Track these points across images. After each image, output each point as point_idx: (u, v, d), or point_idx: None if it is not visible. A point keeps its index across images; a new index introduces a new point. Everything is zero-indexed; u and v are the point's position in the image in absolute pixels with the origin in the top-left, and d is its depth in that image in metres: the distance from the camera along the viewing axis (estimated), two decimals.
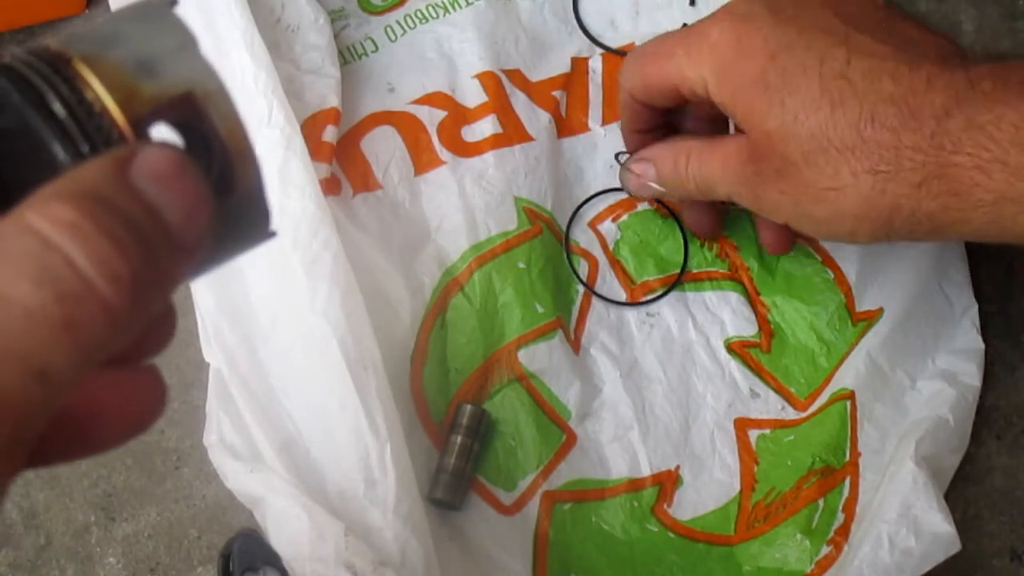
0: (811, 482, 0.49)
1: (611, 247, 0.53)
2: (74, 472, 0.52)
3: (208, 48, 0.18)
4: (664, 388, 0.51)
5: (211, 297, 0.46)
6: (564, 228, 0.53)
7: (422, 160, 0.52)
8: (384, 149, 0.52)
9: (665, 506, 0.50)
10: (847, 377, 0.51)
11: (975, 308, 0.52)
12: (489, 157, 0.52)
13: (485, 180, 0.52)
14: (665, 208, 0.53)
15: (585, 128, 0.55)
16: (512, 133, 0.53)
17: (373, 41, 0.55)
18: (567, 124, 0.54)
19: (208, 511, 0.52)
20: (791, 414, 0.51)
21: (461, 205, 0.51)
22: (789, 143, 0.36)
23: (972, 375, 0.50)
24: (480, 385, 0.50)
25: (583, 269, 0.53)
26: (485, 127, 0.52)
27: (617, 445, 0.50)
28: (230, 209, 0.19)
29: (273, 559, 0.45)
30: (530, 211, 0.52)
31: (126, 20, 0.18)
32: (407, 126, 0.53)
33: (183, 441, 0.52)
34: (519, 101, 0.54)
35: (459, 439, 0.48)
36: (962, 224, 0.35)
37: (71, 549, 0.51)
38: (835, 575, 0.47)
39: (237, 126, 0.19)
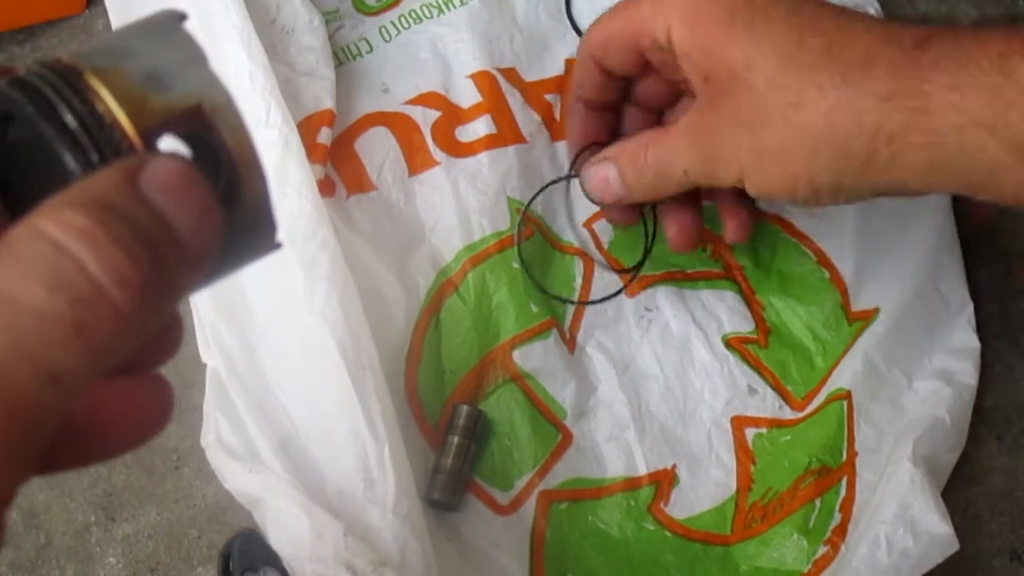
0: (808, 482, 0.49)
1: (606, 246, 0.53)
2: (74, 472, 0.52)
3: (205, 48, 0.19)
4: (661, 386, 0.51)
5: (209, 297, 0.46)
6: (554, 231, 0.53)
7: (416, 161, 0.52)
8: (378, 150, 0.52)
9: (662, 505, 0.50)
10: (844, 377, 0.51)
11: (971, 307, 0.52)
12: (483, 157, 0.52)
13: (479, 180, 0.52)
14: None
15: None
16: (506, 134, 0.53)
17: (367, 42, 0.55)
18: (560, 127, 0.54)
19: (208, 511, 0.52)
20: (788, 414, 0.51)
21: (455, 205, 0.51)
22: (754, 69, 0.35)
23: (969, 374, 0.50)
24: (475, 385, 0.50)
25: (578, 268, 0.53)
26: (479, 127, 0.53)
27: (613, 444, 0.50)
28: (237, 220, 0.19)
29: (273, 559, 0.45)
30: (522, 212, 0.52)
31: (136, 35, 0.19)
32: (401, 127, 0.53)
33: (183, 441, 0.53)
34: (514, 100, 0.54)
35: (455, 440, 0.48)
36: (921, 152, 0.32)
37: (71, 549, 0.51)
38: (832, 575, 0.47)
39: (244, 139, 0.19)
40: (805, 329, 0.52)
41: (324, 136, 0.50)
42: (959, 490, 0.51)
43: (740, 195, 0.41)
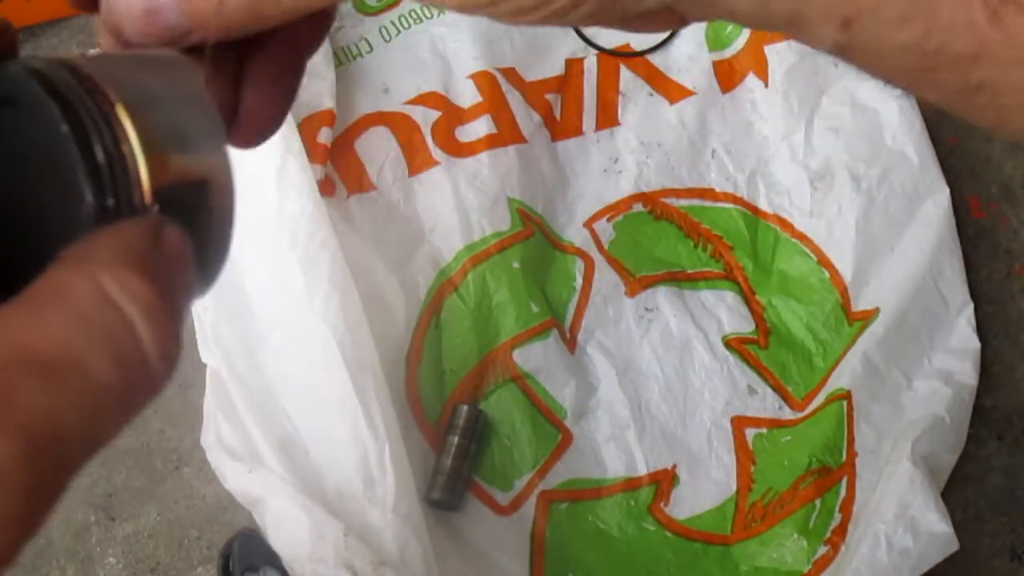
0: (808, 482, 0.49)
1: (606, 246, 0.53)
2: None
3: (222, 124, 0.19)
4: (661, 386, 0.51)
5: (209, 297, 0.46)
6: (555, 231, 0.53)
7: (416, 161, 0.52)
8: (378, 150, 0.52)
9: (662, 505, 0.50)
10: (843, 377, 0.51)
11: (971, 307, 0.52)
12: (483, 157, 0.52)
13: (479, 180, 0.52)
14: (657, 211, 0.53)
15: (579, 132, 0.55)
16: (506, 134, 0.53)
17: (368, 42, 0.55)
18: (561, 127, 0.54)
19: (208, 511, 0.52)
20: (788, 414, 0.51)
21: (455, 205, 0.51)
22: None
23: (968, 374, 0.50)
24: (475, 385, 0.50)
25: (579, 268, 0.53)
26: (479, 127, 0.53)
27: (613, 444, 0.50)
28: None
29: (273, 559, 0.45)
30: (522, 212, 0.52)
31: (161, 76, 0.18)
32: (401, 126, 0.53)
33: (183, 441, 0.53)
34: (514, 100, 0.54)
35: (456, 440, 0.48)
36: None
37: (71, 549, 0.51)
38: (832, 575, 0.47)
39: (229, 227, 0.19)
40: (805, 329, 0.52)
41: (324, 136, 0.50)
42: (959, 490, 0.51)
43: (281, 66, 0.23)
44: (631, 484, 0.50)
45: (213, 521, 0.52)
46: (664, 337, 0.52)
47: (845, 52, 0.20)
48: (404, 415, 0.49)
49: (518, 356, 0.50)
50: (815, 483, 0.49)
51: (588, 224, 0.53)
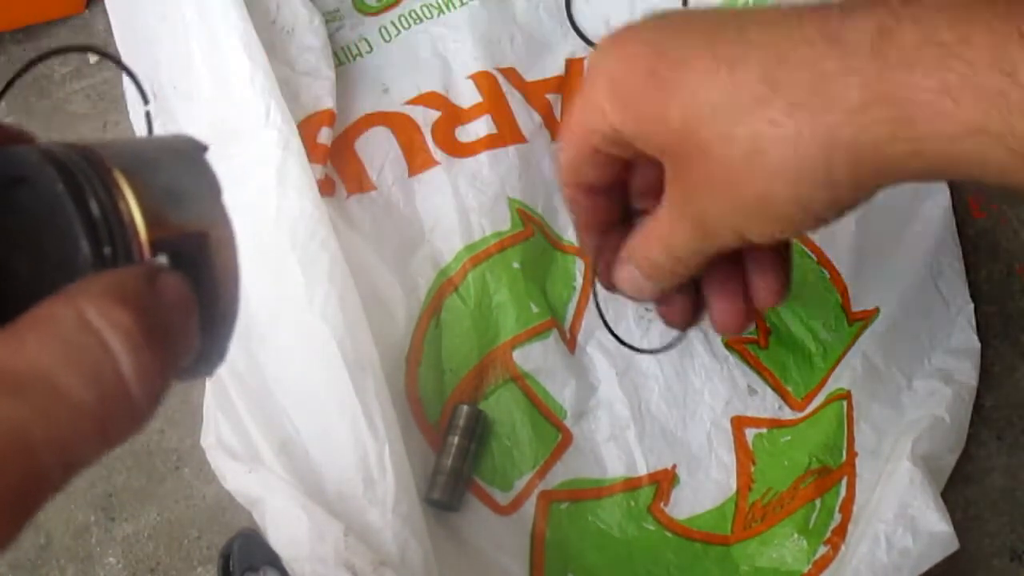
0: (808, 482, 0.50)
1: None
2: None
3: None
4: (661, 386, 0.51)
5: None
6: (556, 231, 0.53)
7: (416, 161, 0.52)
8: (378, 150, 0.52)
9: (662, 505, 0.50)
10: (843, 377, 0.51)
11: (971, 307, 0.52)
12: (483, 157, 0.52)
13: (479, 180, 0.52)
14: None
15: None
16: (506, 134, 0.53)
17: (368, 42, 0.55)
18: (561, 127, 0.54)
19: (208, 511, 0.52)
20: (788, 414, 0.51)
21: (455, 205, 0.51)
22: (698, 129, 0.30)
23: (968, 374, 0.50)
24: (475, 386, 0.50)
25: (579, 268, 0.53)
26: (479, 127, 0.53)
27: (613, 444, 0.50)
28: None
29: (273, 559, 0.45)
30: (523, 212, 0.52)
31: (160, 150, 0.20)
32: (401, 127, 0.53)
33: (183, 441, 0.53)
34: (514, 100, 0.54)
35: (456, 440, 0.48)
36: (914, 160, 0.27)
37: (71, 549, 0.51)
38: (832, 575, 0.47)
39: (234, 276, 0.20)
40: (805, 329, 0.52)
41: (324, 136, 0.50)
42: (959, 490, 0.51)
43: (772, 247, 0.36)
44: (631, 484, 0.50)
45: (213, 521, 0.52)
46: (664, 337, 0.52)
47: None
48: (404, 415, 0.49)
49: (518, 356, 0.50)
50: (815, 483, 0.49)
51: None
